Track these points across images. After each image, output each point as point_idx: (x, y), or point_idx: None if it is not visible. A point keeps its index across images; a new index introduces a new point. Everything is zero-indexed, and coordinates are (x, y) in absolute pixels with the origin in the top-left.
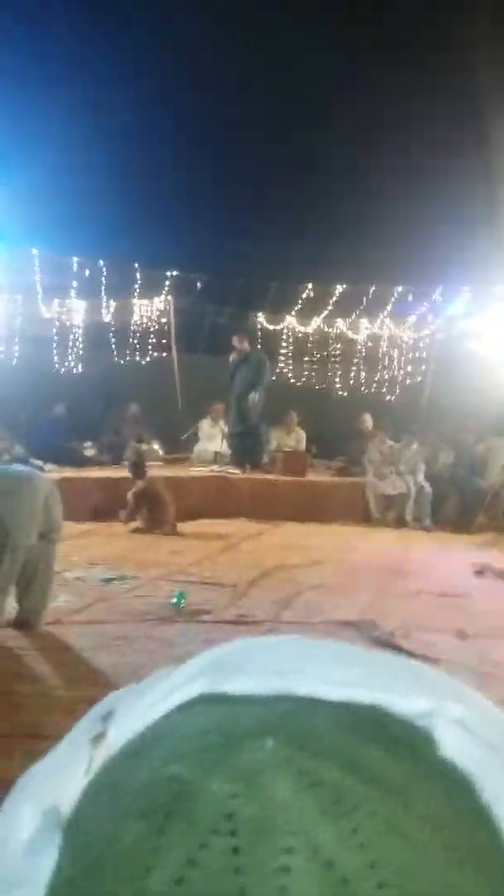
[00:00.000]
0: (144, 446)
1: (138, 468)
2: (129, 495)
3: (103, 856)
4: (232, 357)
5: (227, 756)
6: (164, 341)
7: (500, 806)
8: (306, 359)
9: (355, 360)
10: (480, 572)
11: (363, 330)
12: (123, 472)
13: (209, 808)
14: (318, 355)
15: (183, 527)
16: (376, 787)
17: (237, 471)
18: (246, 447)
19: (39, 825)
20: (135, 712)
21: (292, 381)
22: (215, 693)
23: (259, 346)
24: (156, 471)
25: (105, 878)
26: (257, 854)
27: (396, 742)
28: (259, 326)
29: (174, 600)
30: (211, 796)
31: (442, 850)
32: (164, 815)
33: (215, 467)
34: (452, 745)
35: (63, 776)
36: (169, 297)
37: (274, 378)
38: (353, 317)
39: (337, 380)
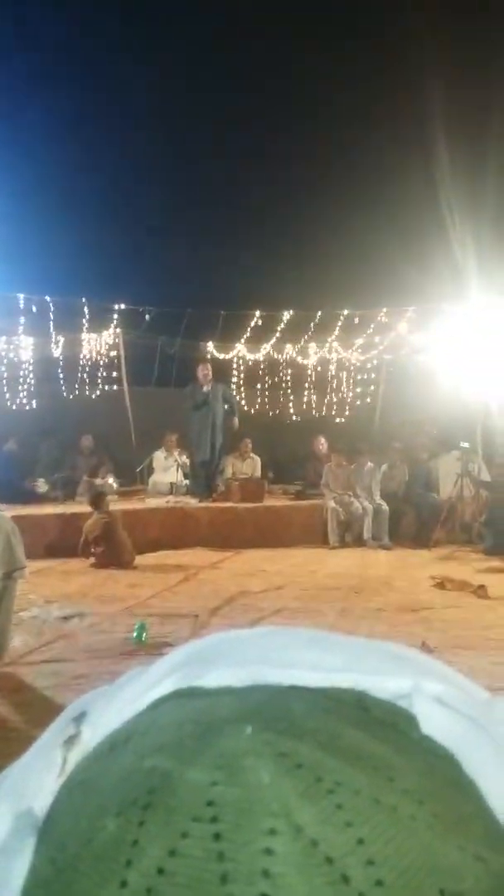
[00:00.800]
0: (99, 480)
1: (98, 501)
2: (86, 529)
3: (80, 854)
4: (194, 387)
5: (205, 745)
6: (114, 374)
7: (483, 777)
8: (258, 385)
9: (306, 385)
10: (440, 585)
11: (312, 355)
12: (77, 508)
13: (189, 797)
14: (270, 381)
15: (141, 560)
16: (358, 766)
17: (194, 500)
18: (208, 475)
19: (12, 828)
20: (108, 712)
21: (245, 408)
22: (190, 687)
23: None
24: (111, 504)
25: (82, 876)
26: (239, 838)
27: (377, 722)
28: (209, 356)
29: (135, 634)
30: (191, 785)
31: (428, 823)
32: (142, 807)
33: (171, 498)
34: (433, 722)
35: (35, 779)
36: (118, 330)
37: (226, 406)
38: (302, 342)
39: (290, 405)
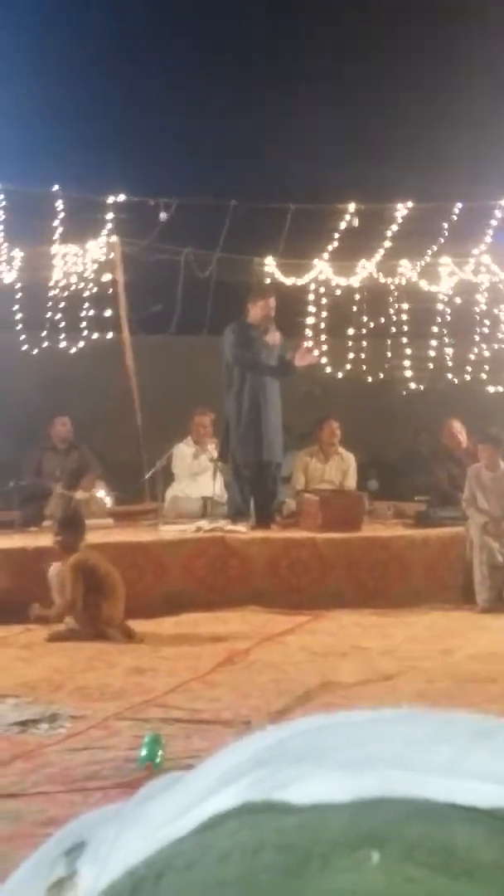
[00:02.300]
0: (81, 494)
1: (71, 529)
2: (53, 575)
3: None
4: (242, 331)
5: (300, 885)
6: (106, 313)
7: None
8: (350, 331)
9: (435, 330)
10: None
11: (446, 277)
12: (47, 539)
13: None
14: (372, 324)
15: (153, 627)
16: None
17: (242, 527)
18: (265, 486)
19: None
20: (125, 841)
21: (328, 370)
22: (267, 801)
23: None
24: (101, 534)
25: None
26: None
27: None
28: (269, 282)
29: (143, 752)
30: None
31: None
32: None
33: (204, 523)
34: None
35: None
36: (113, 240)
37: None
38: (429, 256)
39: (406, 365)
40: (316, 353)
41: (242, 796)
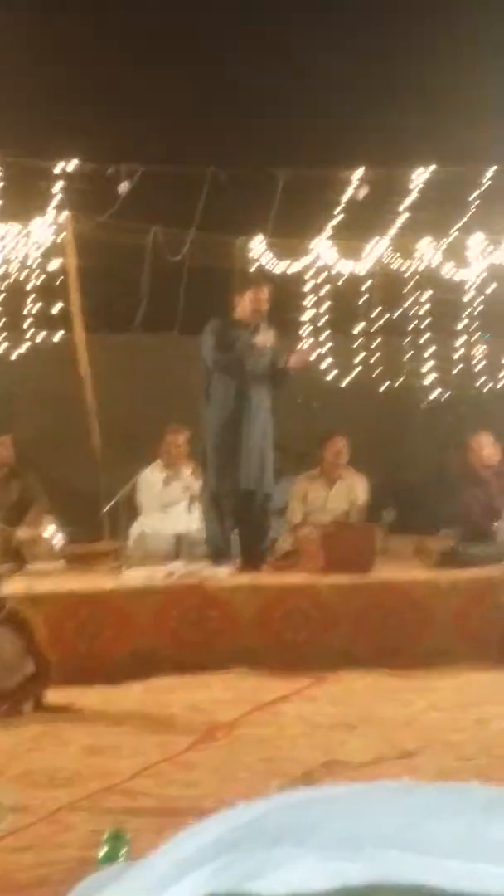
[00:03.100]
0: (23, 531)
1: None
2: None
3: None
4: (225, 329)
5: None
6: (55, 307)
7: None
8: (359, 327)
9: (461, 326)
10: None
11: (474, 260)
12: None
13: None
14: (385, 318)
15: (116, 694)
16: None
17: (224, 570)
18: (254, 519)
19: None
20: None
21: (334, 374)
22: (237, 895)
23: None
24: (50, 581)
25: None
26: None
27: None
28: (258, 268)
29: (103, 853)
30: None
31: None
32: None
33: (178, 566)
34: None
35: None
36: (64, 215)
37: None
38: (452, 236)
39: (427, 368)
40: (315, 353)
41: (206, 887)
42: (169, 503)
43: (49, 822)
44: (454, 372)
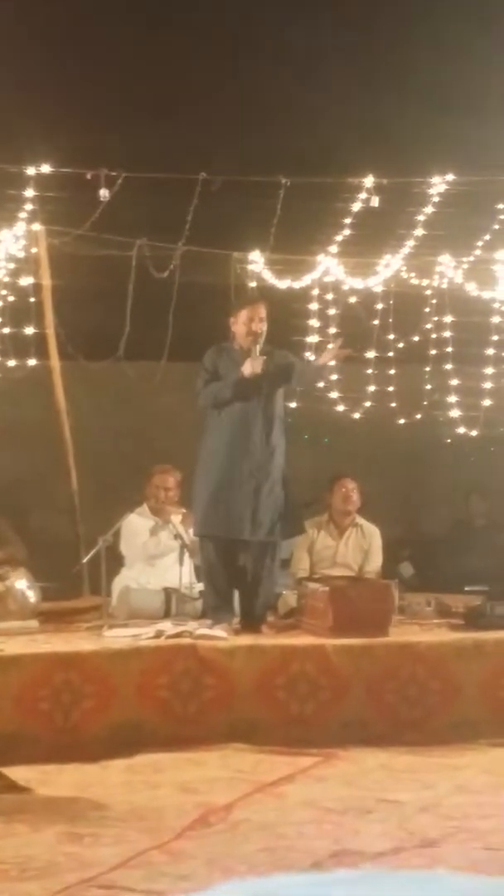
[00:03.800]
0: None
1: None
2: None
3: None
4: (219, 356)
5: None
6: (27, 332)
7: None
8: (371, 354)
9: (490, 348)
10: None
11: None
12: None
13: None
14: (402, 343)
15: (96, 772)
16: None
17: (219, 631)
18: (255, 573)
19: None
20: None
21: (339, 405)
22: None
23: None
24: (22, 643)
25: None
26: None
27: None
28: (255, 285)
29: None
30: None
31: None
32: None
33: (168, 626)
34: None
35: None
36: (33, 228)
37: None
38: (478, 248)
39: (451, 398)
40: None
41: None
42: (157, 554)
43: None
44: (482, 405)
